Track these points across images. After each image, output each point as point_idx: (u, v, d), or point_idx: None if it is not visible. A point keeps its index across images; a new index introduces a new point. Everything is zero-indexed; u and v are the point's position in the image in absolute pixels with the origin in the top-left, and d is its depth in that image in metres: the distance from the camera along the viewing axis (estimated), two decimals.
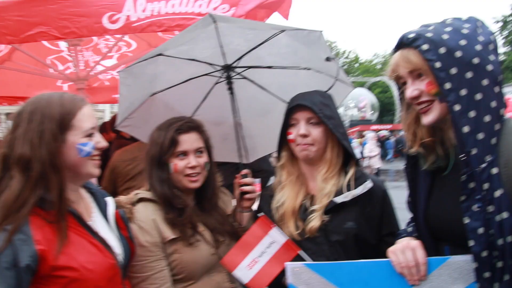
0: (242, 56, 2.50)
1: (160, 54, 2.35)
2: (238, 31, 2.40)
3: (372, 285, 1.51)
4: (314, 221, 1.85)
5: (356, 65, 55.81)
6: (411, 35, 1.39)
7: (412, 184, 1.65)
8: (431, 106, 1.42)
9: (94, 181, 3.91)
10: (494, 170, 1.29)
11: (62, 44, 4.83)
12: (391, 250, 1.51)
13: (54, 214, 1.44)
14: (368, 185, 1.88)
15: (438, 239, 1.57)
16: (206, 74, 2.57)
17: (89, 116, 1.58)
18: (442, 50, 1.33)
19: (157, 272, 1.82)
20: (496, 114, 1.34)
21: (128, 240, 1.73)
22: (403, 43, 1.43)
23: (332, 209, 1.86)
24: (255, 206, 2.17)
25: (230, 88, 2.46)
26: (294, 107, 1.95)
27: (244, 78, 2.66)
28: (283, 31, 2.40)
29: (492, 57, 1.35)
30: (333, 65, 2.55)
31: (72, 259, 1.43)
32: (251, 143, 2.44)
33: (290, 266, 1.60)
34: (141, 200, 1.94)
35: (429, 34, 1.37)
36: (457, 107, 1.32)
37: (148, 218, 1.87)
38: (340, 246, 1.85)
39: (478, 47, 1.33)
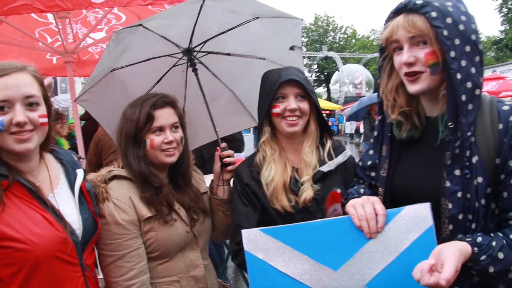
0: (206, 40, 2.46)
1: (140, 25, 2.22)
2: (219, 13, 2.34)
3: (330, 243, 1.48)
4: (307, 192, 1.92)
5: (353, 41, 55.21)
6: (419, 1, 1.40)
7: (379, 152, 1.71)
8: (419, 76, 1.44)
9: (82, 153, 3.96)
10: (473, 138, 1.39)
11: (51, 16, 4.74)
12: (350, 204, 1.52)
13: None
14: (347, 153, 2.03)
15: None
16: (167, 55, 2.49)
17: None
18: (449, 20, 1.37)
19: (134, 250, 1.82)
20: (481, 89, 1.43)
21: (93, 215, 1.70)
22: (408, 8, 1.42)
23: (319, 179, 1.95)
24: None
25: (195, 70, 2.43)
26: (283, 82, 1.93)
27: (201, 63, 2.60)
28: (258, 18, 2.39)
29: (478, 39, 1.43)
30: (294, 55, 2.57)
31: (15, 230, 1.41)
32: (193, 130, 2.35)
33: (245, 233, 1.55)
34: (115, 177, 1.91)
35: (436, 3, 1.39)
36: (458, 76, 1.37)
37: (124, 196, 1.85)
38: None
39: (473, 26, 1.41)
